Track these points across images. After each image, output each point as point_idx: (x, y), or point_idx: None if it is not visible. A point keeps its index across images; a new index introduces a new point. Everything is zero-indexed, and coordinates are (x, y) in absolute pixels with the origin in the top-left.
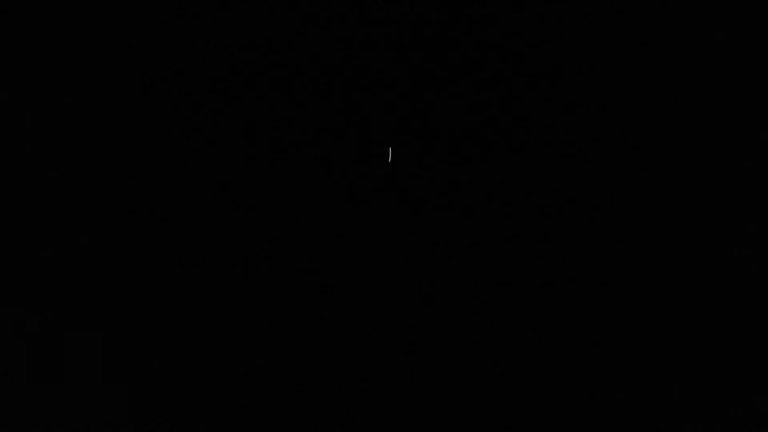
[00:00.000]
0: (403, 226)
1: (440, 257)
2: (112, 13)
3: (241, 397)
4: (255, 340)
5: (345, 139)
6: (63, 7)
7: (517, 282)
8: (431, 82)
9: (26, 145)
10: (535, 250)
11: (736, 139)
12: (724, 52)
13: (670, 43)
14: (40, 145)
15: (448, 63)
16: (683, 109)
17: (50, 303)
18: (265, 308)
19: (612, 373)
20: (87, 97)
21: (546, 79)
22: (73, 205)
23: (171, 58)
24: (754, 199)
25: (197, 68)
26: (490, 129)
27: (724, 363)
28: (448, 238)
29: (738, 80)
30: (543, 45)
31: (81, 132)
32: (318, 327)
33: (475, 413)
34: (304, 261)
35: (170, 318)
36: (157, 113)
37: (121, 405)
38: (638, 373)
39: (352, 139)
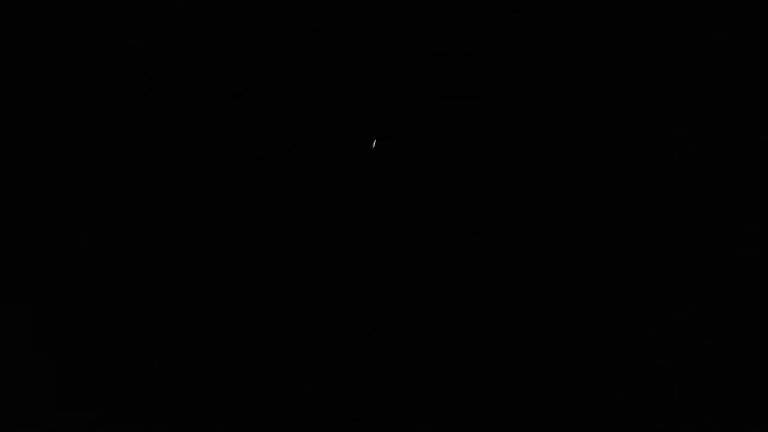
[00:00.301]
0: (402, 226)
1: (439, 257)
2: (112, 13)
3: (241, 397)
4: (255, 340)
5: (342, 140)
6: (63, 7)
7: (517, 282)
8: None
9: (26, 145)
10: (535, 251)
11: (736, 140)
12: (724, 52)
13: (670, 43)
14: (40, 145)
15: (444, 63)
16: (683, 109)
17: (50, 303)
18: (265, 308)
19: (612, 373)
20: (87, 97)
21: (546, 79)
22: (73, 205)
23: (171, 58)
24: (754, 199)
25: (197, 68)
26: (489, 129)
27: (724, 363)
28: (447, 238)
29: (738, 80)
30: (542, 45)
31: (81, 132)
32: (318, 327)
33: (475, 413)
34: (303, 261)
35: (170, 318)
36: (157, 113)
37: (121, 405)
38: (638, 373)
39: (349, 139)
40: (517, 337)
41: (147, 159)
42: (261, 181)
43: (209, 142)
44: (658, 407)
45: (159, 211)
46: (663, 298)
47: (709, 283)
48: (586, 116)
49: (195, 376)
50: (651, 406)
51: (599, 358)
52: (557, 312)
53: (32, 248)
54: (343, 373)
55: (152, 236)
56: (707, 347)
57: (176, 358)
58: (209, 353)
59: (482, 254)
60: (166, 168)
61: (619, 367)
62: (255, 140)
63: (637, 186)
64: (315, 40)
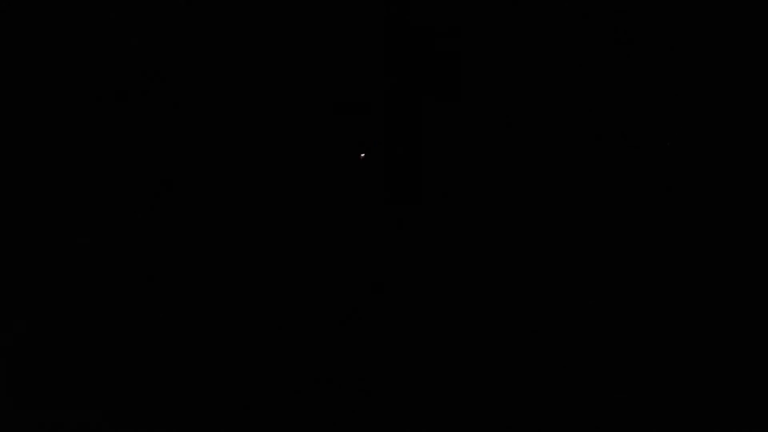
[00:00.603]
0: (401, 226)
1: (439, 257)
2: (112, 13)
3: (241, 397)
4: (255, 340)
5: (340, 139)
6: (63, 7)
7: (517, 282)
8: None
9: (26, 145)
10: (535, 251)
11: (736, 139)
12: (724, 52)
13: (670, 43)
14: (40, 145)
15: (444, 63)
16: (683, 109)
17: (50, 303)
18: (265, 308)
19: (612, 373)
20: (87, 96)
21: (546, 79)
22: (73, 205)
23: (171, 58)
24: (754, 199)
25: (198, 68)
26: (490, 129)
27: (724, 363)
28: (446, 237)
29: (739, 80)
30: (543, 45)
31: (81, 132)
32: (317, 327)
33: (475, 413)
34: (303, 261)
35: (171, 318)
36: (156, 113)
37: (122, 405)
38: (638, 373)
39: (347, 139)
40: (517, 337)
41: (147, 159)
42: (261, 181)
43: (209, 142)
44: (658, 407)
45: (159, 211)
46: (663, 298)
47: (709, 283)
48: (586, 116)
49: (196, 376)
50: (651, 406)
51: (599, 358)
52: (557, 312)
53: (32, 248)
54: (343, 373)
55: (152, 236)
56: (707, 347)
57: (177, 358)
58: (209, 353)
59: (482, 254)
60: (166, 168)
61: (619, 367)
62: (255, 140)
63: (637, 186)
64: (314, 40)
